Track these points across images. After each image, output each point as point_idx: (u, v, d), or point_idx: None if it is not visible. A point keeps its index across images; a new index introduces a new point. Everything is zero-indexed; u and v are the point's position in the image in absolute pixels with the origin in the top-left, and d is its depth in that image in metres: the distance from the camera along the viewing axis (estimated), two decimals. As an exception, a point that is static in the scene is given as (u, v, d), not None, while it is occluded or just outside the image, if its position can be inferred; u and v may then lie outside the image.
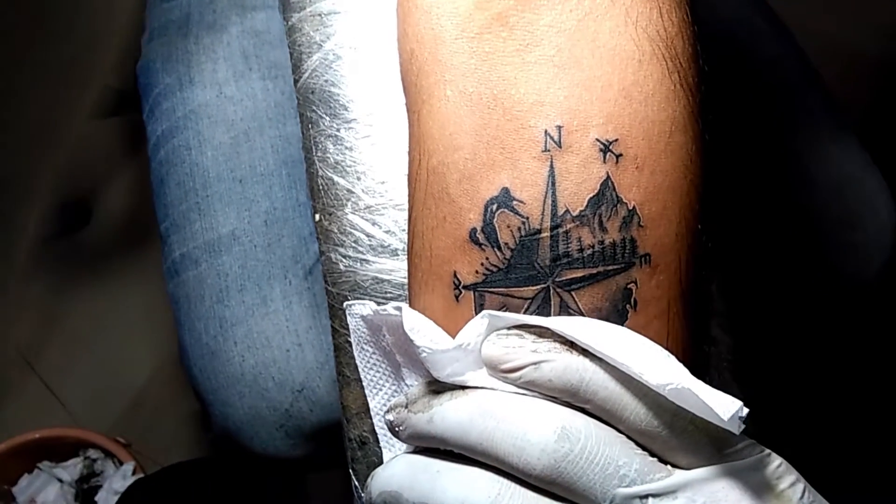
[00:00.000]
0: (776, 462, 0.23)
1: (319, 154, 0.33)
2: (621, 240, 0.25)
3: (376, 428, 0.31)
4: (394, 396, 0.30)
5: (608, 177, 0.25)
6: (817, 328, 0.55)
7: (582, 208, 0.24)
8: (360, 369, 0.30)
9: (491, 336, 0.24)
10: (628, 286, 0.25)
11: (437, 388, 0.25)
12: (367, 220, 0.32)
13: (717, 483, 0.23)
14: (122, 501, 0.64)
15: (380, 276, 0.32)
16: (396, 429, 0.26)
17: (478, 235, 0.25)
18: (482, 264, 0.25)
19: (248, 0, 0.60)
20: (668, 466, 0.23)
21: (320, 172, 0.33)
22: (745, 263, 0.54)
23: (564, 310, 0.25)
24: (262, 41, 0.59)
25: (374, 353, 0.30)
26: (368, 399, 0.30)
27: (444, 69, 0.26)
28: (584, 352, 0.23)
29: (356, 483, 0.31)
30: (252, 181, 0.57)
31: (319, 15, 0.34)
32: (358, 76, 0.34)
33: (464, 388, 0.25)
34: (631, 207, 0.25)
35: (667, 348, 0.25)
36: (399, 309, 0.26)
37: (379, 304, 0.29)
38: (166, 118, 0.59)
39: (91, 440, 1.01)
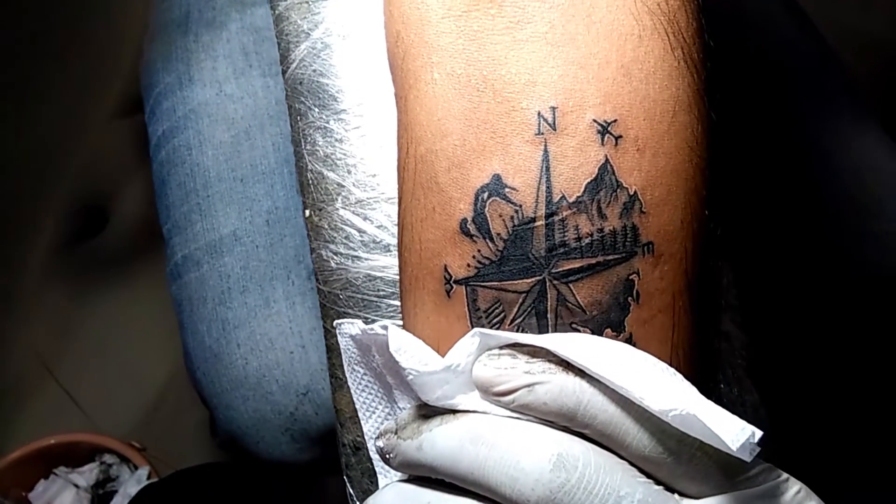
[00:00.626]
0: (795, 488, 0.21)
1: (308, 147, 0.32)
2: (622, 227, 0.23)
3: (370, 454, 0.29)
4: (387, 419, 0.29)
5: (607, 160, 0.23)
6: (837, 322, 0.52)
7: (579, 194, 0.23)
8: (352, 391, 0.29)
9: (482, 357, 0.23)
10: (630, 277, 0.23)
11: (427, 412, 0.24)
12: (358, 214, 0.31)
13: None
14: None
15: (372, 273, 0.31)
16: (387, 456, 0.24)
17: (469, 226, 0.24)
18: (474, 257, 0.24)
19: (247, -3, 0.60)
20: (675, 496, 0.21)
21: (310, 166, 0.32)
22: (760, 254, 0.52)
23: (562, 303, 0.23)
24: (263, 37, 0.58)
25: (365, 374, 0.29)
26: (362, 423, 0.29)
27: (431, 51, 0.25)
28: (582, 372, 0.22)
29: (350, 491, 0.30)
30: (253, 180, 0.56)
31: (307, 2, 0.33)
32: (347, 65, 0.32)
33: (455, 411, 0.23)
34: (632, 192, 0.23)
35: (672, 344, 0.23)
36: (386, 328, 0.25)
37: (371, 303, 0.28)
38: (167, 118, 0.58)
39: (106, 445, 1.01)
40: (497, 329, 0.24)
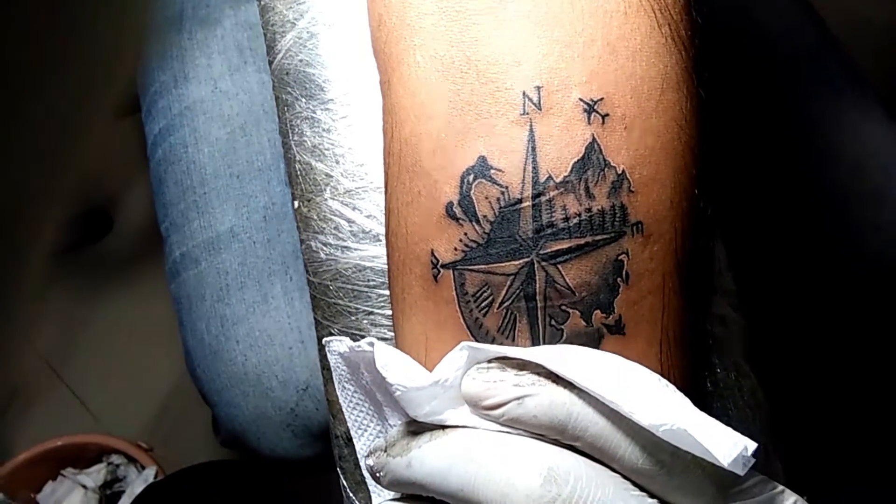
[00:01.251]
0: (790, 501, 0.21)
1: (296, 138, 0.31)
2: (610, 207, 0.23)
3: (364, 472, 0.29)
4: (379, 437, 0.28)
5: (594, 139, 0.22)
6: (837, 312, 0.51)
7: (566, 174, 0.22)
8: (343, 409, 0.28)
9: (471, 370, 0.22)
10: (619, 258, 0.23)
11: (416, 428, 0.23)
12: (346, 205, 0.31)
13: None
14: (134, 506, 0.64)
15: (362, 263, 0.30)
16: (377, 474, 0.24)
17: (454, 210, 0.23)
18: (460, 240, 0.23)
19: (241, -7, 0.59)
20: None
21: (297, 157, 0.31)
22: (759, 240, 0.51)
23: (550, 285, 0.23)
24: (257, 34, 0.58)
25: (355, 391, 0.28)
26: (354, 440, 0.28)
27: (413, 33, 0.24)
28: (571, 385, 0.21)
29: (344, 483, 0.30)
30: (250, 176, 0.56)
31: (293, -9, 0.32)
32: (334, 54, 0.32)
33: (444, 427, 0.23)
34: (620, 171, 0.23)
35: (662, 326, 0.22)
36: (372, 344, 0.24)
37: (361, 293, 0.28)
38: (163, 116, 0.58)
39: (113, 446, 1.02)
40: (485, 314, 0.23)
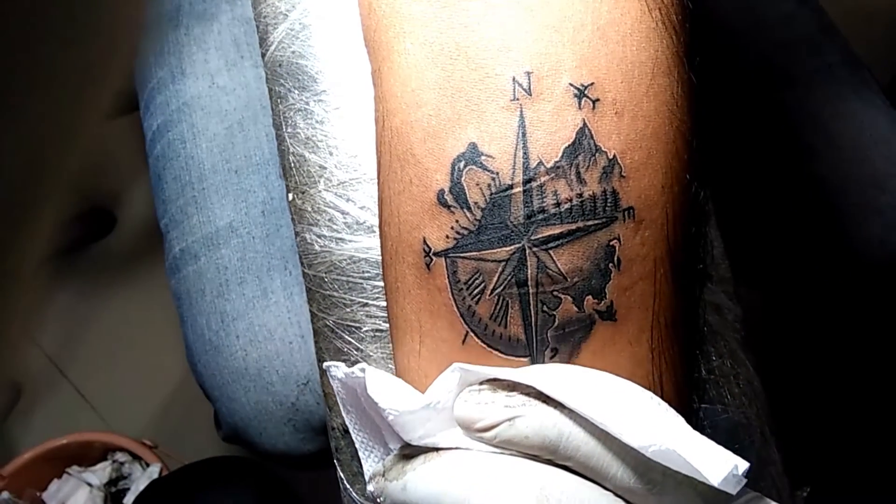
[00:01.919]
0: None
1: (290, 130, 0.31)
2: (602, 192, 0.22)
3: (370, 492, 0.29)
4: (382, 459, 0.28)
5: (584, 124, 0.22)
6: (839, 297, 0.51)
7: (557, 159, 0.22)
8: (350, 431, 0.28)
9: (462, 393, 0.22)
10: (611, 243, 0.23)
11: (411, 451, 0.23)
12: (340, 196, 0.31)
13: None
14: (137, 502, 0.64)
15: (356, 254, 0.30)
16: (378, 500, 0.24)
17: (446, 197, 0.23)
18: (452, 228, 0.23)
19: (237, -12, 0.59)
20: None
21: (291, 149, 0.31)
22: (759, 229, 0.51)
23: (542, 271, 0.23)
24: (253, 28, 0.58)
25: (358, 415, 0.28)
26: (362, 461, 0.28)
27: (403, 20, 0.24)
28: (562, 405, 0.21)
29: (341, 474, 0.30)
30: (248, 171, 0.56)
31: (285, -18, 0.32)
32: (326, 45, 0.32)
33: (437, 450, 0.23)
34: (611, 156, 0.22)
35: (654, 313, 0.22)
36: (364, 371, 0.25)
37: (356, 284, 0.28)
38: (161, 112, 0.58)
39: (118, 444, 1.02)
40: (478, 301, 0.23)
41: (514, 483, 0.21)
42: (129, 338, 1.21)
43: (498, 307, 0.23)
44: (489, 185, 0.23)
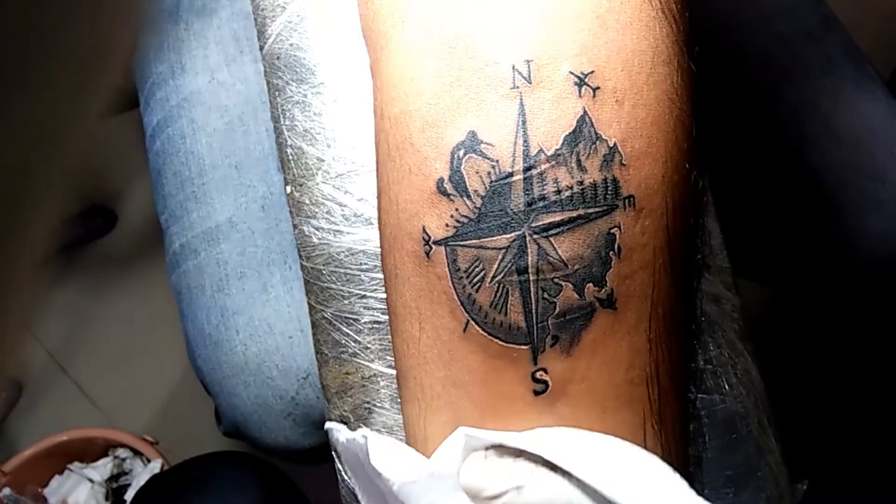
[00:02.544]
0: None
1: (288, 123, 0.31)
2: (602, 180, 0.22)
3: None
4: None
5: (585, 112, 0.22)
6: (838, 288, 0.51)
7: (557, 147, 0.22)
8: (358, 496, 0.28)
9: (468, 460, 0.22)
10: (611, 231, 0.23)
11: None
12: (339, 188, 0.31)
13: None
14: (137, 498, 0.64)
15: (354, 247, 0.30)
16: None
17: (445, 185, 0.23)
18: (452, 216, 0.23)
19: (237, -17, 0.59)
20: None
21: (289, 142, 0.31)
22: (759, 220, 0.51)
23: (542, 258, 0.23)
24: (253, 23, 0.58)
25: (365, 478, 0.27)
26: None
27: (401, 9, 0.24)
28: (569, 473, 0.21)
29: (339, 465, 0.30)
30: (248, 166, 0.56)
31: (284, -26, 0.32)
32: (324, 37, 0.32)
33: None
34: (612, 145, 0.22)
35: (652, 302, 0.22)
36: (366, 438, 0.24)
37: (354, 276, 0.27)
38: (160, 108, 0.58)
39: (119, 440, 1.02)
40: (478, 290, 0.23)
41: None
42: (131, 334, 1.21)
43: (498, 295, 0.23)
44: (489, 173, 0.23)
